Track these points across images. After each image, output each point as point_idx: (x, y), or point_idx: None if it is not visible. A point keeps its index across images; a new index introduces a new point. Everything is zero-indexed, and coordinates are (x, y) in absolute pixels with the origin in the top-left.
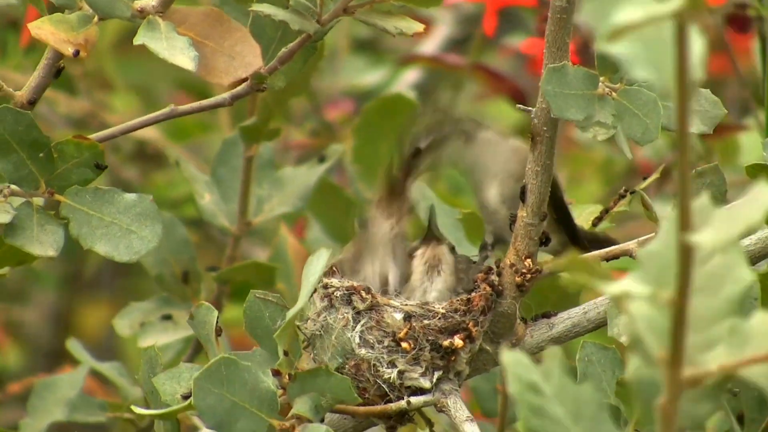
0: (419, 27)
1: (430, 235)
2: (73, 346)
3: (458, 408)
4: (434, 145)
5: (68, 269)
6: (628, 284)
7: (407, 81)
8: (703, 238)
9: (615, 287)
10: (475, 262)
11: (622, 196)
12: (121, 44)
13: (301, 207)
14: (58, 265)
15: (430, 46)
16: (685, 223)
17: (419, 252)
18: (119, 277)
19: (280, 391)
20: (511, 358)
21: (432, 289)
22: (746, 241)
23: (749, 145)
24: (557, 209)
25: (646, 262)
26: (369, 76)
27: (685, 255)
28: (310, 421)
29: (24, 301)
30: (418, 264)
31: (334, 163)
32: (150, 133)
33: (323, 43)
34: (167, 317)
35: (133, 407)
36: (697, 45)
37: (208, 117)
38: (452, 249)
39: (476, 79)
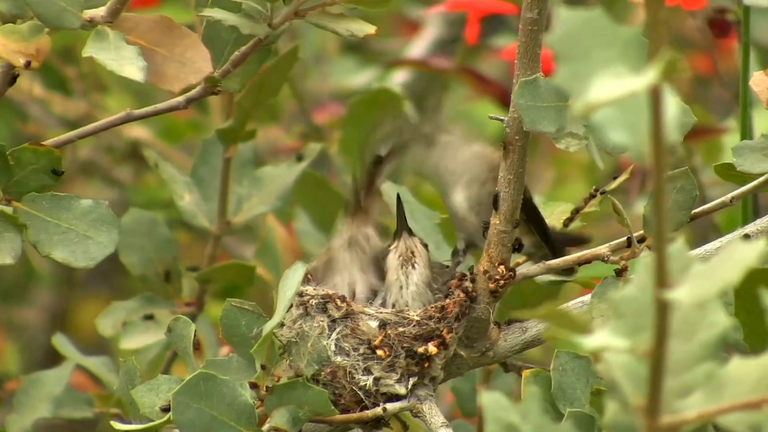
0: (370, 29)
1: (400, 227)
2: (60, 341)
3: (433, 414)
4: (395, 152)
5: (65, 267)
6: (606, 338)
7: (395, 83)
8: (680, 295)
9: (594, 341)
10: (447, 267)
11: (593, 196)
12: None
13: (280, 206)
14: (54, 262)
15: (418, 47)
16: (661, 280)
17: (392, 247)
18: (116, 275)
19: (257, 403)
20: (489, 399)
21: (409, 283)
22: (716, 244)
23: (732, 146)
24: (527, 212)
25: (623, 307)
26: (357, 77)
27: (662, 310)
28: None
29: (20, 300)
30: (392, 259)
31: (321, 159)
32: (140, 134)
33: (297, 46)
34: (149, 317)
35: (112, 423)
36: (672, 107)
37: (200, 117)
38: (425, 245)
39: (463, 82)
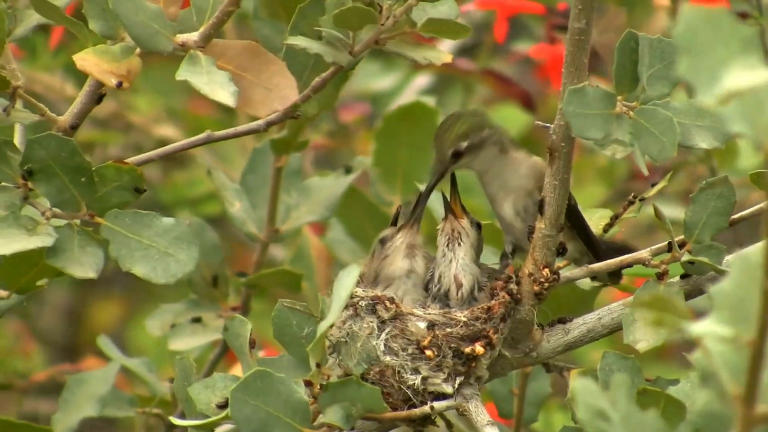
0: (448, 58)
1: (447, 208)
2: (104, 342)
3: (479, 412)
4: (473, 148)
5: None
6: (711, 325)
7: (419, 85)
8: None
9: (699, 327)
10: (496, 270)
11: (631, 203)
12: None
13: (327, 216)
14: None
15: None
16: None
17: (439, 228)
18: (131, 275)
19: (311, 400)
20: (580, 385)
21: (457, 258)
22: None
23: (747, 148)
24: (572, 219)
25: (718, 301)
26: (382, 80)
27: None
28: (341, 430)
29: (38, 298)
30: (440, 239)
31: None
32: (171, 133)
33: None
34: (197, 320)
35: (172, 419)
36: None
37: (224, 117)
38: (478, 225)
39: (485, 84)
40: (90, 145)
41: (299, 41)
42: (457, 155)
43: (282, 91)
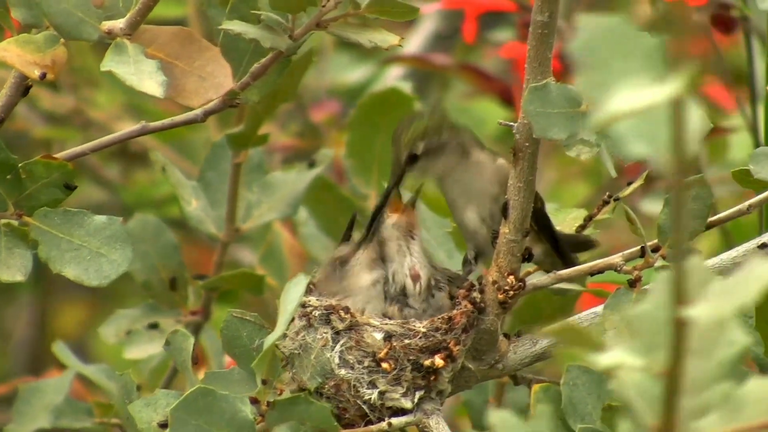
0: (394, 39)
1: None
2: (60, 349)
3: (440, 429)
4: (431, 152)
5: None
6: (620, 356)
7: (393, 78)
8: (698, 313)
9: (607, 358)
10: (458, 276)
11: (606, 203)
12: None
13: (290, 213)
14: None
15: (415, 42)
16: (679, 297)
17: (388, 220)
18: None
19: (258, 419)
20: (498, 418)
21: (411, 252)
22: (733, 253)
23: (738, 142)
24: (538, 220)
25: (638, 325)
26: (353, 73)
27: (680, 329)
28: None
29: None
30: (392, 232)
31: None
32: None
33: (312, 51)
34: (154, 326)
35: None
36: (694, 118)
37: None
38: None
39: (463, 79)
40: (47, 143)
41: (234, 26)
42: (413, 158)
43: (216, 79)
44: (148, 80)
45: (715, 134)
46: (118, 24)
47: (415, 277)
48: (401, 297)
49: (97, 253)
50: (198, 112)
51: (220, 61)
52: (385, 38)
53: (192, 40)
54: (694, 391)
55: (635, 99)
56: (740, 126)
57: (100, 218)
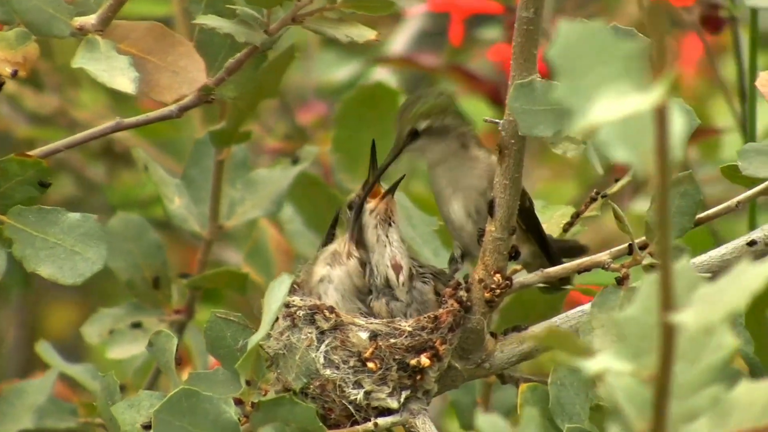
0: (371, 34)
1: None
2: (44, 348)
3: (427, 429)
4: (433, 132)
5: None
6: (608, 361)
7: (380, 77)
8: (686, 318)
9: (594, 363)
10: (443, 272)
11: (594, 200)
12: None
13: (275, 211)
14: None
15: (401, 40)
16: (666, 302)
17: (367, 206)
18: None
19: (243, 420)
20: (485, 421)
21: (390, 241)
22: (722, 250)
23: (730, 140)
24: (526, 220)
25: (625, 329)
26: (339, 71)
27: (667, 334)
28: None
29: None
30: (369, 219)
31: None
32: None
33: (293, 46)
34: (137, 325)
35: None
36: (677, 125)
37: None
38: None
39: (451, 80)
40: (31, 143)
41: (209, 20)
42: (414, 135)
43: (189, 74)
44: (120, 77)
45: (706, 135)
46: (90, 20)
47: (396, 268)
48: (387, 290)
49: (71, 251)
50: (173, 107)
51: (193, 55)
52: (362, 33)
53: (165, 35)
54: (683, 396)
55: (617, 107)
56: (732, 125)
57: (75, 216)
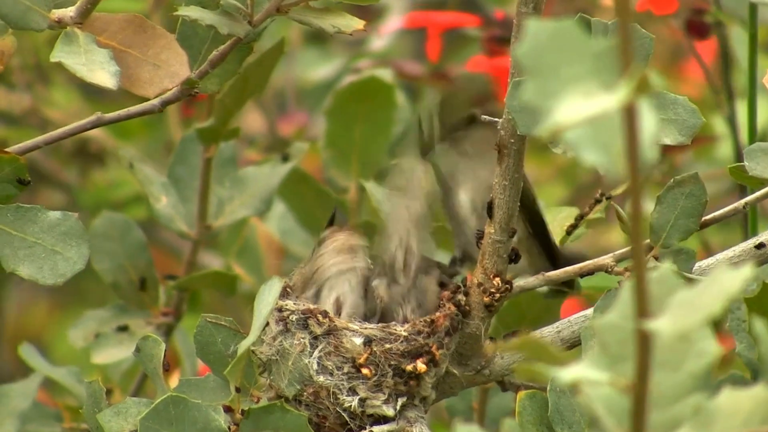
0: (359, 24)
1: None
2: (27, 351)
3: None
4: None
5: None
6: (583, 370)
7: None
8: (662, 326)
9: (569, 373)
10: (444, 265)
11: (598, 201)
12: None
13: (264, 210)
14: None
15: (382, 38)
16: (641, 309)
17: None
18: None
19: (233, 428)
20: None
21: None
22: (729, 253)
23: (725, 139)
24: (533, 224)
25: (604, 335)
26: (321, 70)
27: (643, 342)
28: None
29: None
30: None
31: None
32: (93, 131)
33: (283, 41)
34: (123, 328)
35: None
36: (648, 124)
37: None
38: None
39: (437, 88)
40: (4, 143)
41: (191, 12)
42: (472, 119)
43: (171, 67)
44: (100, 71)
45: (700, 143)
46: (68, 12)
47: (406, 250)
48: (389, 270)
49: (52, 250)
50: (155, 102)
51: (175, 48)
52: (349, 23)
53: (145, 27)
54: (664, 405)
55: (584, 108)
56: (723, 127)
57: (55, 214)
